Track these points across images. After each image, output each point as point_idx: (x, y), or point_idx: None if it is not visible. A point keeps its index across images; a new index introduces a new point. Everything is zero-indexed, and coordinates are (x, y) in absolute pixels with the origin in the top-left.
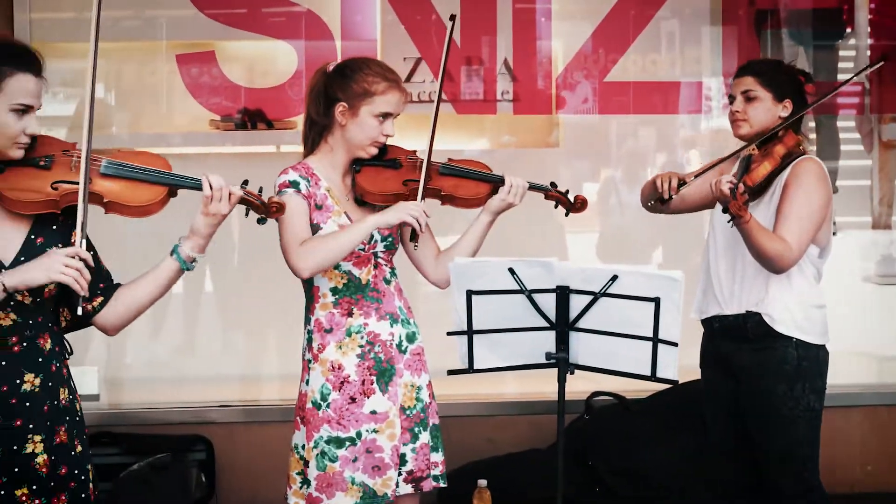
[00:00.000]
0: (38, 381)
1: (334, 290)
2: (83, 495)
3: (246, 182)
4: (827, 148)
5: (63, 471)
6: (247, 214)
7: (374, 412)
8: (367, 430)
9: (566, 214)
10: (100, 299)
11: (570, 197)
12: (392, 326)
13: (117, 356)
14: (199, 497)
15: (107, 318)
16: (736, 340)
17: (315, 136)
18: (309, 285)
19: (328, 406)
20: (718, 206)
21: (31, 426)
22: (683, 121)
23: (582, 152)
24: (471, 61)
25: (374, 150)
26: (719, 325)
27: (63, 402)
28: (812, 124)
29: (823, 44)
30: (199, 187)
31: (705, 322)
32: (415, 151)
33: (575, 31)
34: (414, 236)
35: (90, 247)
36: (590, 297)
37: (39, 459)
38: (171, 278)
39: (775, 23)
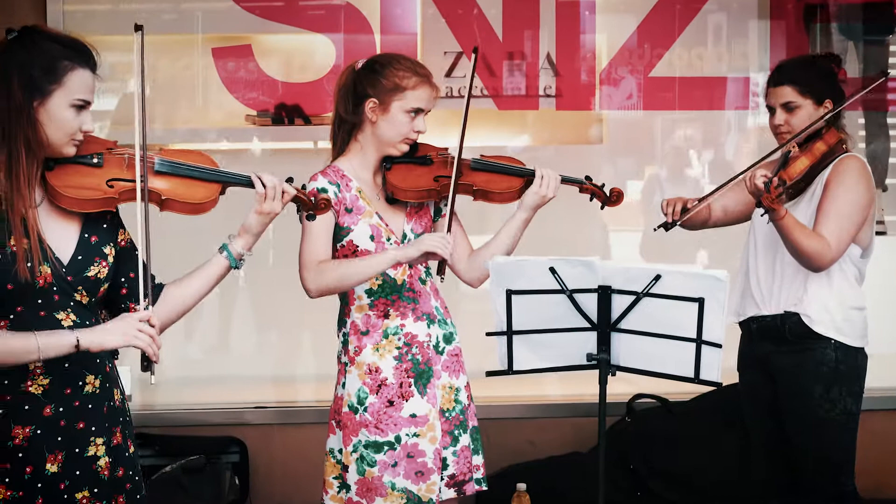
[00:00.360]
0: (97, 383)
1: (370, 292)
2: (138, 496)
3: (290, 180)
4: (876, 145)
5: (120, 472)
6: (298, 211)
7: (413, 415)
8: (408, 435)
9: (602, 207)
10: (147, 300)
11: (606, 190)
12: (429, 327)
13: None
14: (232, 500)
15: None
16: (774, 341)
17: (344, 135)
18: None
19: (365, 410)
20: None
21: (93, 428)
22: (730, 117)
23: (626, 149)
24: (513, 56)
25: (405, 147)
26: (757, 325)
27: (117, 402)
28: (861, 121)
29: (874, 38)
30: (251, 185)
31: (742, 324)
32: (446, 149)
33: (619, 25)
34: (440, 268)
35: (134, 246)
36: (632, 298)
37: (101, 462)
38: (220, 276)
39: (825, 17)
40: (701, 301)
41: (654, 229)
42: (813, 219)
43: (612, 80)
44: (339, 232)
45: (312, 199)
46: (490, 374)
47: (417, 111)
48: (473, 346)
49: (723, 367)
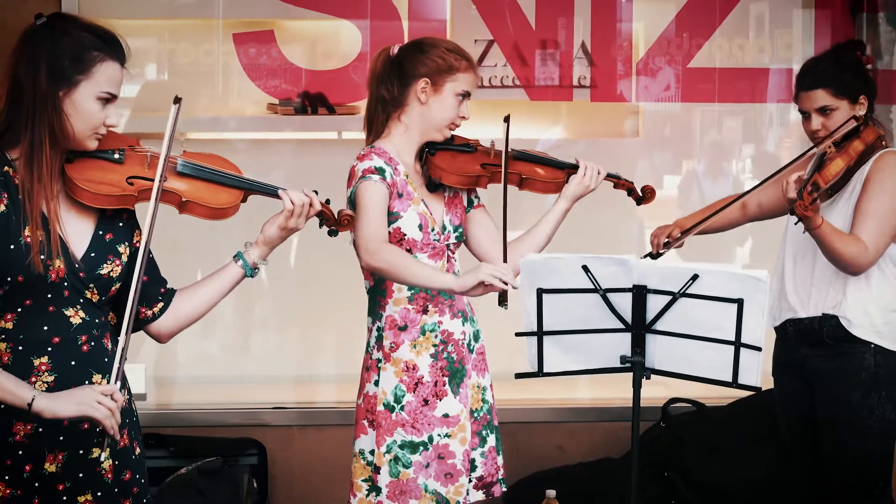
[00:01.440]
0: (104, 382)
1: (410, 286)
2: (144, 500)
3: (315, 192)
4: None
5: (127, 475)
6: (320, 226)
7: (446, 415)
8: (440, 435)
9: (637, 204)
10: (160, 305)
11: (637, 187)
12: (464, 325)
13: (166, 354)
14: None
15: (164, 324)
16: (811, 345)
17: (384, 118)
18: (380, 280)
19: (402, 409)
20: None
21: (98, 429)
22: (772, 110)
23: (663, 143)
24: (546, 45)
25: (449, 133)
26: (794, 328)
27: (123, 403)
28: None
29: None
30: (275, 195)
31: (779, 328)
32: (478, 140)
33: (657, 14)
34: (502, 299)
35: (149, 252)
36: (668, 298)
37: (105, 465)
38: (233, 284)
39: (872, 6)
40: (740, 302)
41: (642, 258)
42: (851, 218)
43: (650, 70)
44: (388, 217)
45: (334, 215)
46: (519, 376)
47: (465, 95)
48: (501, 347)
49: (765, 369)
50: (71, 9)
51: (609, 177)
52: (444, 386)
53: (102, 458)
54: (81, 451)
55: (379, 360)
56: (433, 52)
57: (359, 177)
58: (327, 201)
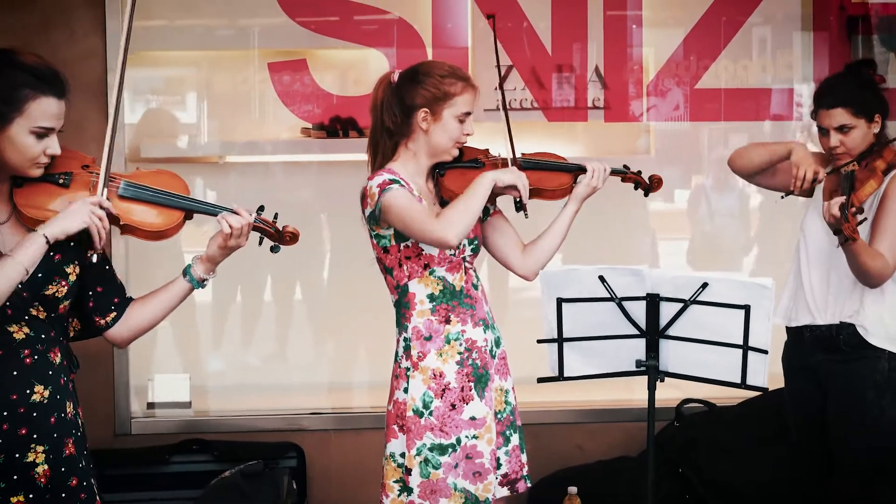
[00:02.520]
0: (46, 393)
1: (431, 297)
2: None
3: (262, 208)
4: None
5: (73, 482)
6: (260, 242)
7: (473, 418)
8: (467, 437)
9: (646, 195)
10: (113, 315)
11: (646, 177)
12: (485, 332)
13: (208, 363)
14: None
15: (119, 332)
16: (827, 350)
17: (392, 145)
18: (404, 292)
19: (430, 414)
20: (811, 216)
21: (34, 436)
22: (774, 127)
23: (673, 159)
24: (562, 69)
25: (456, 152)
26: (811, 334)
27: (69, 415)
28: None
29: None
30: (214, 214)
31: (794, 330)
32: (487, 150)
33: (666, 38)
34: (520, 206)
35: (106, 261)
36: (680, 305)
37: (39, 469)
38: (182, 297)
39: (866, 28)
40: (747, 308)
41: (782, 197)
42: (868, 234)
43: (660, 91)
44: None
45: (276, 229)
46: (541, 380)
47: (466, 115)
48: (524, 353)
49: (769, 371)
50: (116, 44)
51: (614, 172)
52: (470, 391)
53: (37, 463)
54: (17, 455)
55: (407, 369)
56: (427, 81)
57: (378, 192)
58: (275, 217)
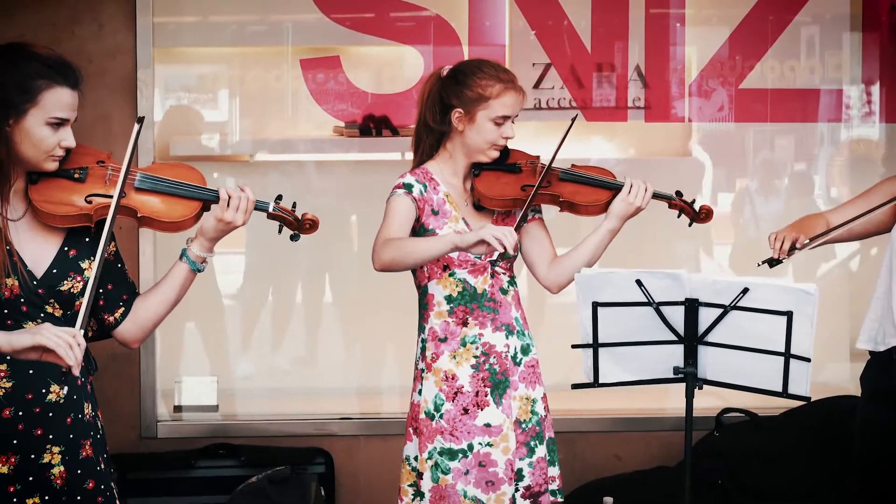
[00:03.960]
0: (63, 393)
1: (449, 299)
2: None
3: (279, 197)
4: None
5: (90, 485)
6: (280, 231)
7: (488, 425)
8: (481, 444)
9: (689, 225)
10: (121, 310)
11: (696, 207)
12: (507, 338)
13: (236, 366)
14: None
15: (127, 329)
16: None
17: (433, 141)
18: (423, 293)
19: (441, 417)
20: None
21: (50, 437)
22: (823, 130)
23: (716, 162)
24: (602, 68)
25: (495, 154)
26: None
27: (87, 416)
28: None
29: None
30: (217, 199)
31: (880, 354)
32: (538, 157)
33: (710, 37)
34: (495, 261)
35: (119, 259)
36: (719, 311)
37: (55, 471)
38: (183, 283)
39: None
40: (789, 315)
41: (759, 265)
42: None
43: (703, 91)
44: (424, 233)
45: (295, 218)
46: (576, 386)
47: (504, 118)
48: (558, 358)
49: (812, 381)
50: (145, 39)
51: (659, 196)
52: (486, 396)
53: (53, 464)
54: (33, 456)
55: (422, 371)
56: (467, 81)
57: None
58: (293, 206)
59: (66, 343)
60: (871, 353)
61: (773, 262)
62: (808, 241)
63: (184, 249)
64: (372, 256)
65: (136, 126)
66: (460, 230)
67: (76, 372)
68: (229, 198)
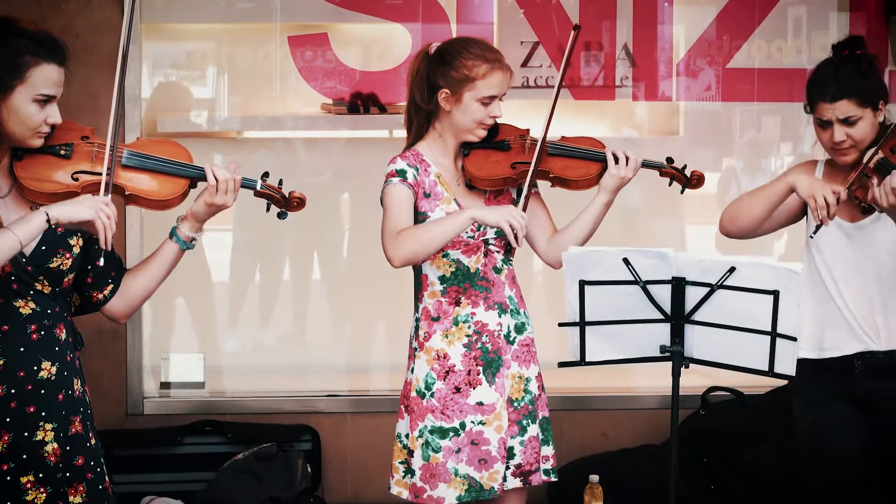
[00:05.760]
0: (54, 370)
1: (442, 279)
2: (100, 486)
3: (266, 174)
4: None
5: (80, 461)
6: (268, 209)
7: (480, 403)
8: (473, 422)
9: (682, 192)
10: (110, 287)
11: (687, 173)
12: (500, 316)
13: (224, 343)
14: (304, 488)
15: (115, 306)
16: (882, 378)
17: (422, 121)
18: (418, 273)
19: (432, 395)
20: (825, 235)
21: (43, 414)
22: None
23: (703, 140)
24: (590, 46)
25: (483, 133)
26: (863, 363)
27: (77, 392)
28: None
29: None
30: (204, 177)
31: (831, 361)
32: (527, 130)
33: (697, 16)
34: (509, 248)
35: (99, 247)
36: (706, 289)
37: (49, 448)
38: (172, 260)
39: None
40: (776, 294)
41: (811, 236)
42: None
43: (690, 71)
44: (417, 217)
45: (282, 195)
46: (562, 364)
47: (491, 98)
48: (546, 337)
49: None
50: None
51: (649, 165)
52: (478, 375)
53: (46, 441)
54: (26, 433)
55: (415, 350)
56: (453, 62)
57: (384, 182)
58: (280, 183)
59: (109, 223)
60: (815, 361)
61: (819, 227)
62: (845, 190)
63: (174, 228)
64: (387, 254)
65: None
66: (452, 211)
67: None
68: (217, 182)
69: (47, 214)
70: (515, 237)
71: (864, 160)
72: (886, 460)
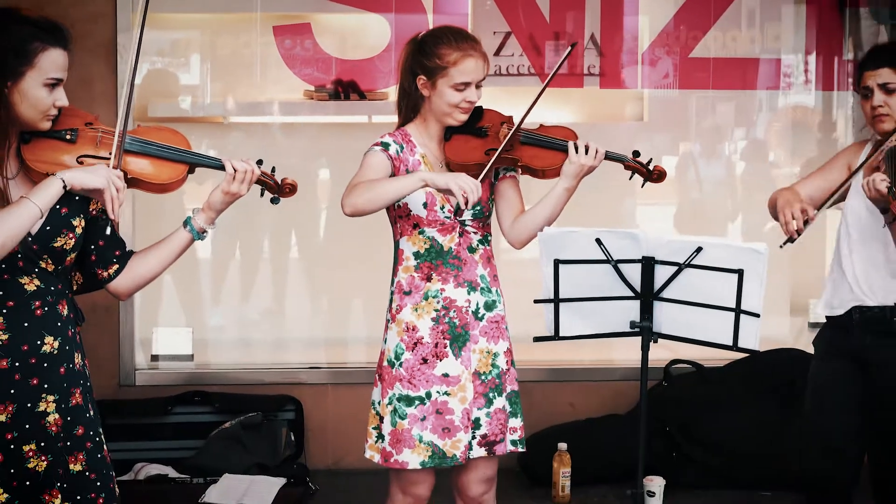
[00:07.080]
0: (56, 344)
1: (416, 254)
2: (99, 455)
3: (260, 161)
4: None
5: (80, 431)
6: (262, 194)
7: (446, 375)
8: (438, 392)
9: (642, 185)
10: (115, 267)
11: (650, 167)
12: (469, 294)
13: (210, 317)
14: (287, 455)
15: (120, 284)
16: (877, 334)
17: (411, 105)
18: (396, 248)
19: (401, 365)
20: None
21: (45, 386)
22: (762, 97)
23: (664, 126)
24: (558, 36)
25: (463, 117)
26: (860, 316)
27: (77, 366)
28: None
29: None
30: (219, 167)
31: (837, 318)
32: (510, 117)
33: (660, 8)
34: (458, 211)
35: (107, 217)
36: (674, 268)
37: (50, 418)
38: (183, 248)
39: (855, 1)
40: (741, 272)
41: (781, 245)
42: None
43: (653, 60)
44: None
45: (276, 181)
46: (537, 339)
47: (465, 84)
48: (520, 312)
49: (760, 335)
50: (125, 4)
51: (611, 157)
52: (445, 348)
53: (48, 412)
54: (29, 404)
55: (388, 321)
56: (427, 50)
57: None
58: (273, 170)
59: (117, 192)
60: (827, 317)
61: (791, 241)
62: (815, 211)
63: (188, 218)
64: (342, 202)
65: (126, 90)
66: (430, 192)
67: (117, 218)
68: (235, 172)
69: (63, 180)
70: (467, 202)
71: (885, 145)
72: (879, 415)
